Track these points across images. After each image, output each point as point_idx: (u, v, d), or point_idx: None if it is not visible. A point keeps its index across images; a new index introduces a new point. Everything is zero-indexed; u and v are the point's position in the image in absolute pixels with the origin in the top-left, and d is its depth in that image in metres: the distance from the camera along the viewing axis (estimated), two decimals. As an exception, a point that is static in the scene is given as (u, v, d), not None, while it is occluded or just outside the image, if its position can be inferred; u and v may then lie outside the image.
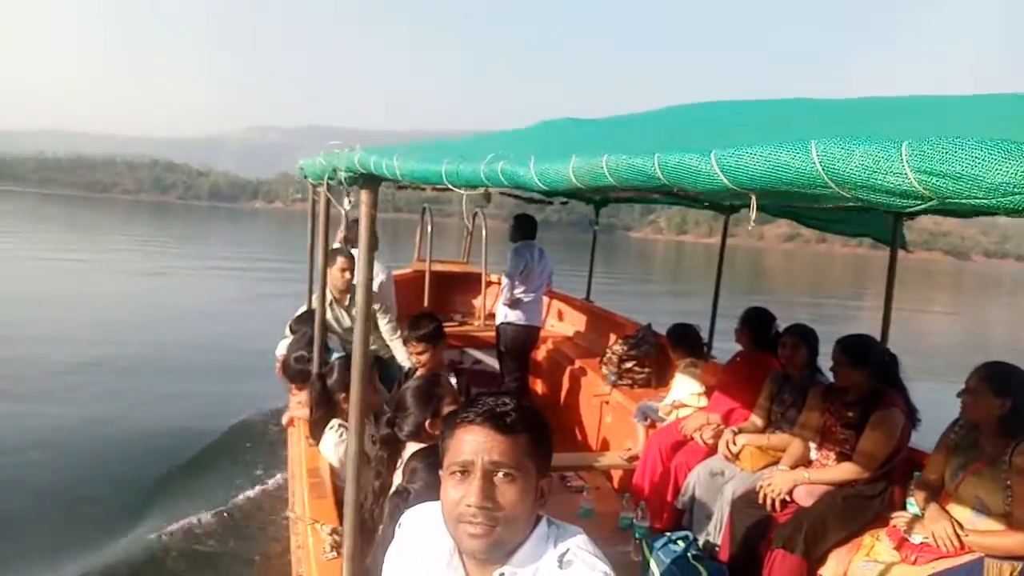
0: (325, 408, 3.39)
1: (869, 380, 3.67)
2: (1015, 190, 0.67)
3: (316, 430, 3.41)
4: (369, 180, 1.94)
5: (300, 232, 5.93)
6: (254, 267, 25.28)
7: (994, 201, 0.70)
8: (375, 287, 5.54)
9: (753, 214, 1.01)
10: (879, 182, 0.80)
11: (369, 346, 2.10)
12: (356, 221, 6.23)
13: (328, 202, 2.60)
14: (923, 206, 0.79)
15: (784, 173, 0.91)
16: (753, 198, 0.97)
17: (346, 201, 6.02)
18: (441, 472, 1.42)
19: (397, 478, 2.38)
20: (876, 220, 4.42)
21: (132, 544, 5.17)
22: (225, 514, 5.58)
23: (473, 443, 1.34)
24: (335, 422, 3.36)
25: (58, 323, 12.58)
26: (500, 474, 1.33)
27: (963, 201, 0.73)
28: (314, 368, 3.74)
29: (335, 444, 3.26)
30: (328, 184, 3.12)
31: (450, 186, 1.55)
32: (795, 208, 4.95)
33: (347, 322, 5.19)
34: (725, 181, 0.98)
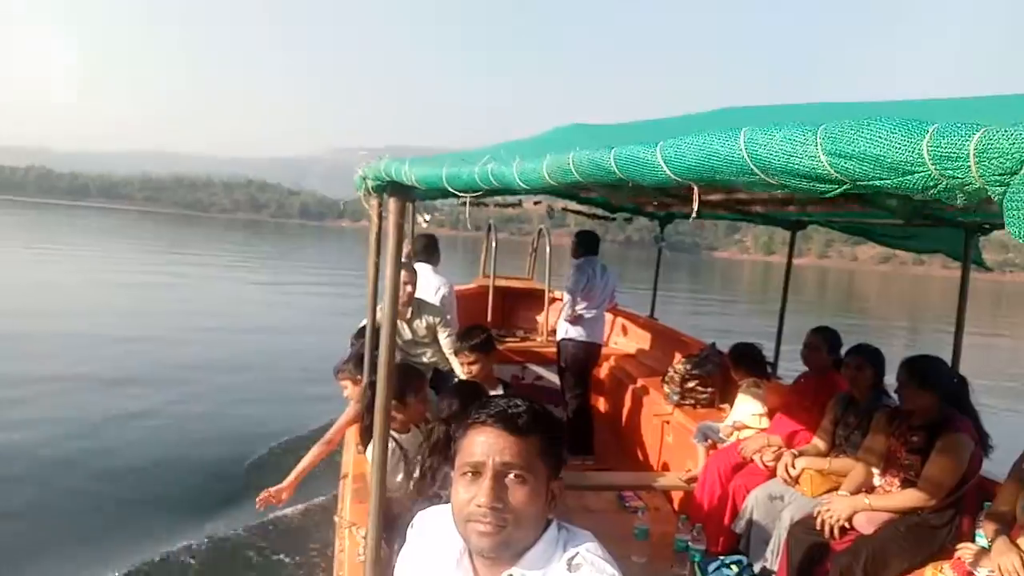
0: (373, 416, 3.47)
1: (936, 403, 3.49)
2: (915, 168, 0.65)
3: (364, 437, 3.50)
4: (395, 189, 1.99)
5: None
6: (334, 282, 26.07)
7: (896, 180, 0.68)
8: (437, 300, 5.64)
9: (695, 205, 1.00)
10: (796, 166, 0.79)
11: (394, 353, 2.15)
12: (421, 235, 6.42)
13: (380, 214, 2.68)
14: (838, 190, 0.78)
15: (715, 162, 0.91)
16: (695, 189, 0.96)
17: (421, 219, 6.21)
18: (453, 473, 1.44)
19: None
20: (950, 236, 4.22)
21: (201, 541, 5.41)
22: (289, 516, 5.78)
23: (484, 444, 1.36)
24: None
25: (156, 330, 13.37)
26: (511, 475, 1.35)
27: (870, 183, 0.71)
28: (365, 377, 3.83)
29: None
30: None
31: (450, 188, 1.59)
32: (866, 224, 4.78)
33: (408, 335, 5.30)
34: (667, 172, 0.98)
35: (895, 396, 3.78)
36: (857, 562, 3.33)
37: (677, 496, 5.06)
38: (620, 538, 4.14)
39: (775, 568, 3.88)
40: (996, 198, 0.61)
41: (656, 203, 6.16)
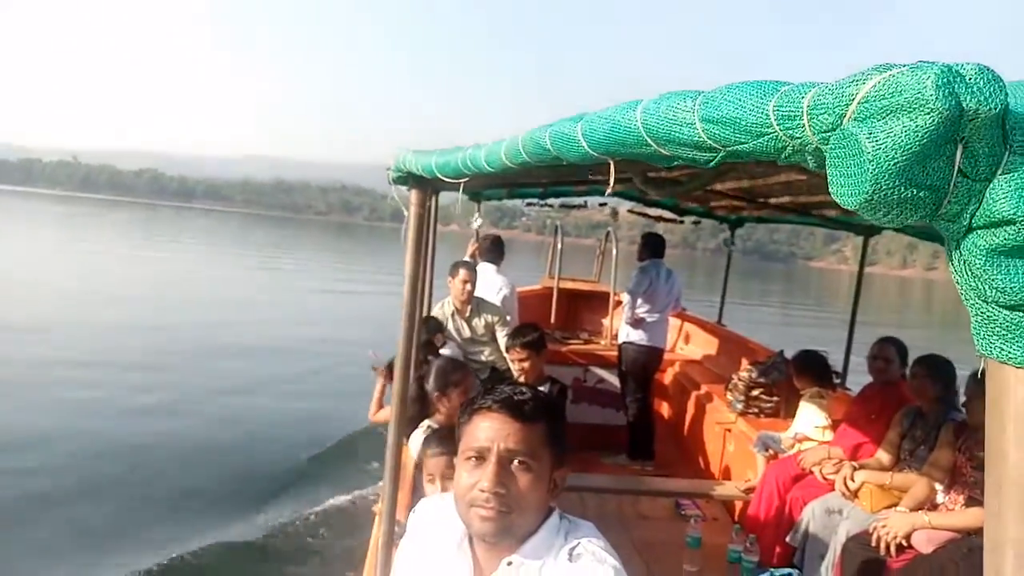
0: (419, 407, 3.53)
1: (1007, 418, 3.28)
2: (765, 130, 0.63)
3: (408, 428, 3.56)
4: (415, 180, 2.04)
5: (464, 253, 6.29)
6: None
7: (752, 144, 0.66)
8: (498, 300, 5.70)
9: (611, 180, 0.98)
10: (678, 135, 0.77)
11: (413, 343, 2.20)
12: (487, 236, 6.50)
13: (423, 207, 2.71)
14: (716, 158, 0.76)
15: (619, 134, 0.89)
16: (611, 164, 0.95)
17: (476, 218, 6.28)
18: (456, 459, 1.47)
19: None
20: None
21: (249, 530, 5.65)
22: (338, 507, 5.98)
23: (489, 429, 1.37)
24: (427, 422, 3.50)
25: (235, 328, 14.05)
26: (515, 462, 1.36)
27: (737, 148, 0.69)
28: (412, 369, 3.91)
29: (421, 442, 3.39)
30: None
31: (441, 176, 1.61)
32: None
33: (467, 332, 5.38)
34: (585, 147, 0.97)
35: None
36: (913, 582, 3.17)
37: (734, 506, 4.93)
38: (673, 545, 4.08)
39: (829, 584, 3.74)
40: (826, 156, 0.59)
41: (725, 205, 6.06)
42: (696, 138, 0.74)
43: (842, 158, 0.52)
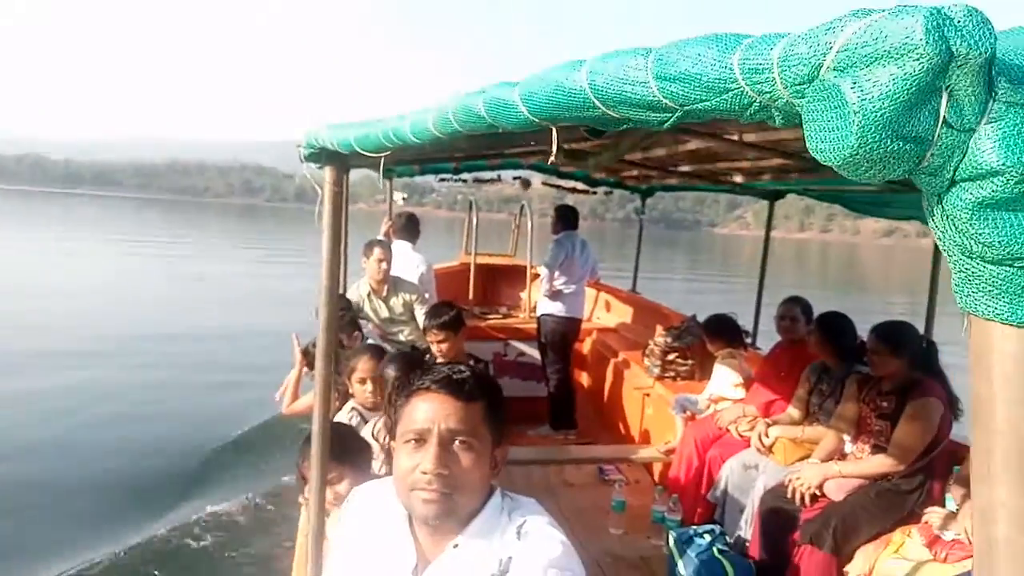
0: (339, 393, 3.43)
1: (906, 368, 3.48)
2: (729, 85, 0.61)
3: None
4: (329, 156, 1.93)
5: (375, 232, 6.09)
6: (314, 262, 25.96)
7: (714, 101, 0.63)
8: (415, 278, 5.61)
9: (553, 149, 0.94)
10: (630, 95, 0.74)
11: (335, 331, 2.11)
12: (401, 214, 6.36)
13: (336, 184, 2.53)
14: (671, 119, 0.73)
15: (562, 97, 0.86)
16: (553, 131, 0.91)
17: (398, 196, 6.10)
18: (393, 443, 1.42)
19: None
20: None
21: (158, 533, 5.40)
22: (258, 500, 5.80)
23: (429, 411, 1.34)
24: (350, 404, 3.41)
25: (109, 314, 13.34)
26: (457, 442, 1.33)
27: (695, 106, 0.67)
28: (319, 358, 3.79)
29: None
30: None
31: (359, 150, 1.54)
32: (841, 192, 4.75)
33: (384, 312, 5.27)
34: (525, 112, 0.93)
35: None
36: (827, 528, 3.33)
37: (656, 468, 5.06)
38: (598, 510, 4.15)
39: (749, 537, 3.90)
40: (800, 111, 0.57)
41: (636, 175, 6.15)
42: (650, 98, 0.71)
43: (821, 111, 0.49)
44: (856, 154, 0.48)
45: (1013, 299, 0.47)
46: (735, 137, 3.48)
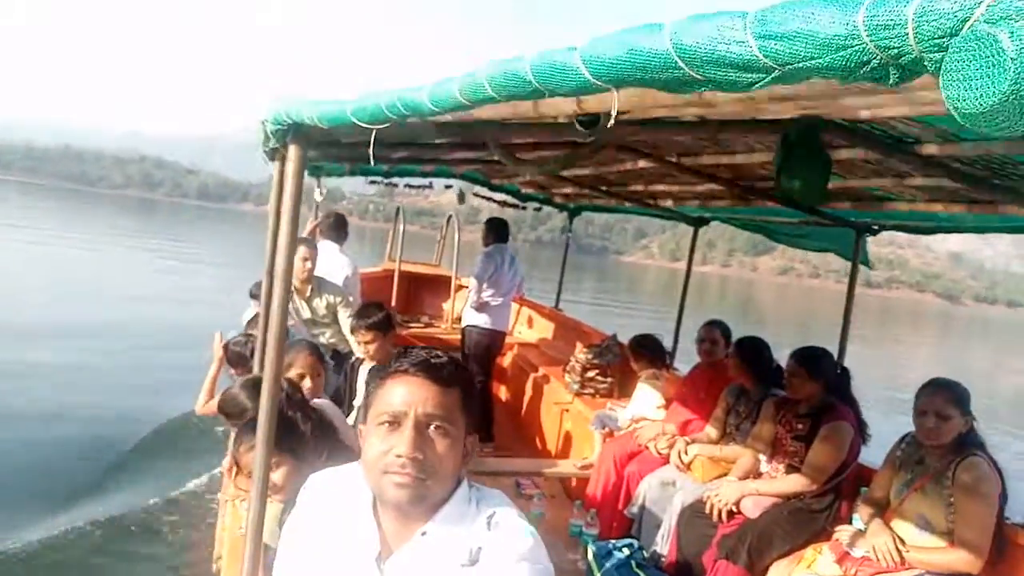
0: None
1: (821, 392, 3.66)
2: (849, 42, 0.63)
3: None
4: (297, 134, 1.85)
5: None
6: (226, 264, 24.99)
7: (828, 58, 0.66)
8: (340, 280, 5.48)
9: (614, 112, 0.93)
10: (723, 54, 0.76)
11: (286, 322, 2.02)
12: (329, 214, 6.21)
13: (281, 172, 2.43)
14: (767, 79, 0.75)
15: (639, 57, 0.86)
16: (614, 94, 0.91)
17: (317, 192, 5.95)
18: (362, 426, 1.38)
19: None
20: (841, 236, 4.46)
21: (64, 531, 5.04)
22: (171, 501, 5.48)
23: (406, 393, 1.31)
24: None
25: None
26: (432, 426, 1.30)
27: (801, 64, 0.69)
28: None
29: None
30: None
31: (356, 121, 1.48)
32: (765, 222, 4.97)
33: (306, 313, 5.12)
34: (587, 75, 0.92)
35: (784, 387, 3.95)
36: (742, 544, 3.44)
37: (574, 483, 5.10)
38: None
39: (665, 552, 3.97)
40: (932, 67, 0.59)
41: (567, 193, 6.25)
42: (748, 57, 0.72)
43: (967, 61, 0.53)
44: (1005, 101, 0.51)
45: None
46: (674, 159, 3.61)
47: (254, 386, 2.77)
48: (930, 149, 2.25)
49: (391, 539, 1.34)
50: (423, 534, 1.32)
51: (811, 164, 2.07)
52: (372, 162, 1.55)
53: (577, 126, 1.38)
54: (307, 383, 3.20)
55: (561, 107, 1.26)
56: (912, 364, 25.03)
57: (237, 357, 3.90)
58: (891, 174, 2.87)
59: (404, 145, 2.49)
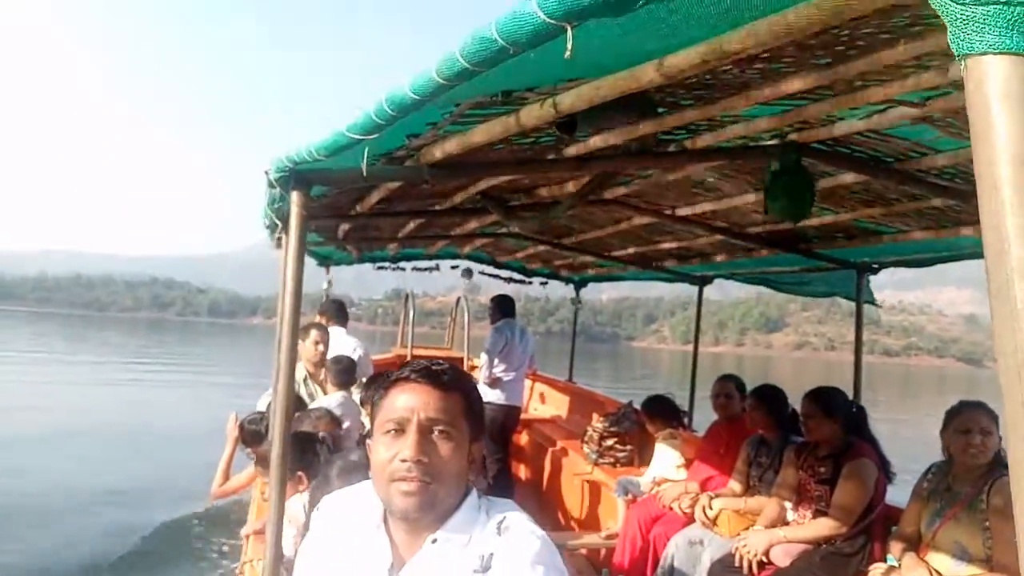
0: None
1: (840, 432, 3.64)
2: None
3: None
4: (299, 180, 1.93)
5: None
6: (234, 373, 25.00)
7: None
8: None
9: (569, 47, 0.95)
10: None
11: (293, 383, 2.07)
12: (330, 300, 6.32)
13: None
14: None
15: None
16: (568, 29, 0.94)
17: (325, 281, 6.07)
18: (369, 441, 1.41)
19: None
20: (843, 279, 4.52)
21: None
22: None
23: (409, 400, 1.34)
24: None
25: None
26: (436, 431, 1.33)
27: None
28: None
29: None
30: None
31: (348, 134, 1.52)
32: (765, 273, 5.05)
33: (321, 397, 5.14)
34: (541, 16, 0.94)
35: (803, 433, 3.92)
36: (776, 594, 3.34)
37: (601, 554, 4.98)
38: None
39: (698, 611, 3.84)
40: None
41: (570, 263, 6.37)
42: None
43: None
44: None
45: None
46: (669, 211, 3.73)
47: (295, 438, 2.95)
48: (909, 165, 2.35)
49: (402, 550, 1.35)
50: (433, 541, 1.32)
51: (795, 184, 2.17)
52: (364, 166, 1.61)
53: (556, 131, 1.47)
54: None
55: (539, 113, 1.35)
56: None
57: (252, 435, 3.92)
58: (879, 203, 2.97)
59: (401, 198, 2.60)
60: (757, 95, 1.48)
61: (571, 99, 1.32)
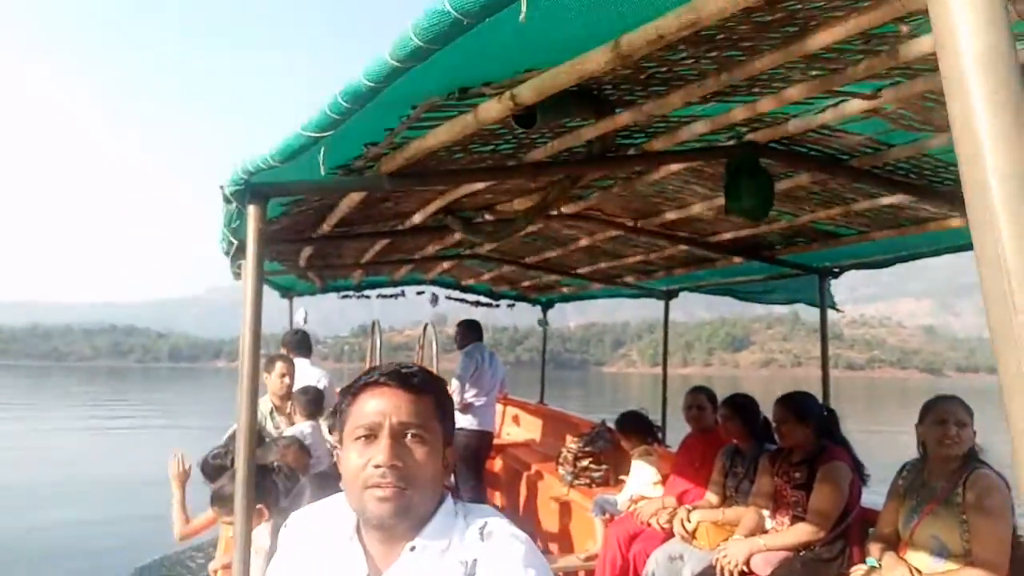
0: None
1: (812, 436, 3.64)
2: None
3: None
4: (255, 192, 1.87)
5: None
6: (194, 414, 24.46)
7: None
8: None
9: (523, 7, 0.92)
10: None
11: (256, 415, 2.00)
12: (292, 330, 6.20)
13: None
14: None
15: None
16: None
17: (300, 312, 5.94)
18: (338, 450, 1.36)
19: None
20: (805, 285, 4.57)
21: None
22: None
23: (380, 404, 1.30)
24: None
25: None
26: (409, 435, 1.28)
27: None
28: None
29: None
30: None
31: (306, 133, 1.47)
32: (730, 284, 5.09)
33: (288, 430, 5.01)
34: None
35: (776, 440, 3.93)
36: (759, 603, 3.30)
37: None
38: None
39: (682, 626, 3.79)
40: None
41: (535, 284, 6.35)
42: None
43: None
44: None
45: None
46: (631, 224, 3.73)
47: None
48: (863, 161, 2.39)
49: (378, 560, 1.30)
50: (412, 549, 1.27)
51: (753, 182, 2.18)
52: (322, 171, 1.55)
53: (514, 125, 1.45)
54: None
55: (497, 108, 1.33)
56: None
57: (217, 469, 3.79)
58: (837, 203, 3.01)
59: (362, 219, 2.55)
60: (713, 83, 1.48)
61: (528, 90, 1.30)
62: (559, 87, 1.27)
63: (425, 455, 1.28)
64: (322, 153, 1.48)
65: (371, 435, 1.28)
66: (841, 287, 4.64)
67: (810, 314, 4.80)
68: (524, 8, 0.86)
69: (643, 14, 1.03)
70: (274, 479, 2.93)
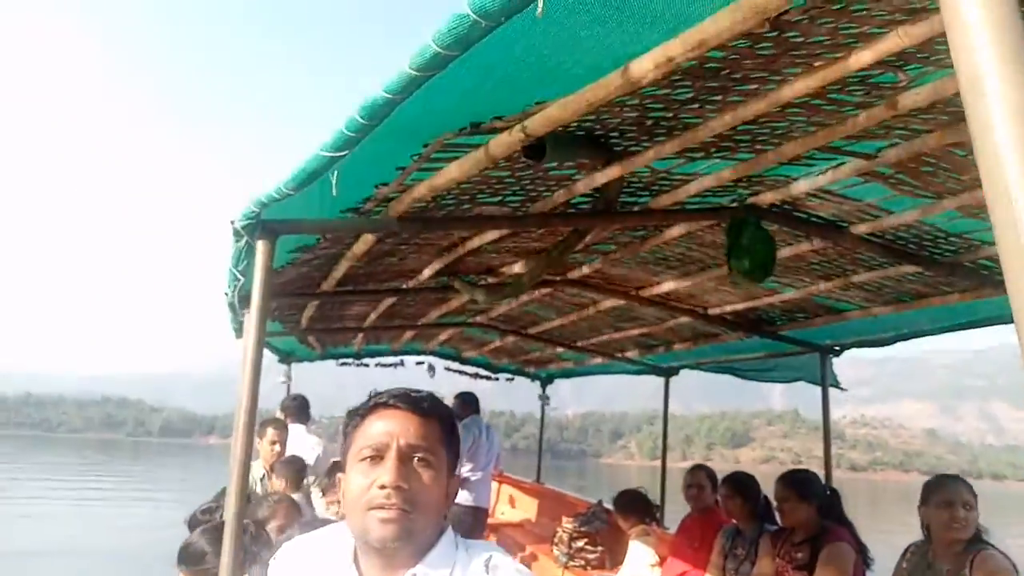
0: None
1: (815, 515, 3.56)
2: None
3: None
4: (264, 228, 1.88)
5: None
6: (186, 490, 23.86)
7: None
8: (310, 460, 5.31)
9: (540, 3, 0.95)
10: None
11: (248, 476, 1.98)
12: (292, 396, 6.14)
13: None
14: None
15: None
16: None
17: (283, 377, 5.91)
18: (340, 475, 1.34)
19: None
20: (807, 363, 4.56)
21: None
22: None
23: (388, 425, 1.28)
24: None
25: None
26: (416, 458, 1.26)
27: None
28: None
29: None
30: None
31: (324, 153, 1.49)
32: (730, 362, 5.08)
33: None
34: None
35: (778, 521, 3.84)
36: None
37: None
38: None
39: None
40: None
41: (536, 359, 6.33)
42: None
43: None
44: None
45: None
46: (632, 292, 3.76)
47: (215, 529, 2.66)
48: (861, 228, 2.43)
49: None
50: (412, 575, 1.24)
51: (756, 242, 2.22)
52: (334, 191, 1.56)
53: (524, 158, 1.48)
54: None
55: (508, 141, 1.37)
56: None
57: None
58: (838, 274, 3.04)
59: (366, 276, 2.57)
60: (718, 124, 1.52)
61: (539, 122, 1.34)
62: (569, 119, 1.32)
63: (431, 479, 1.26)
64: (335, 178, 1.50)
65: (377, 456, 1.26)
66: (841, 385, 4.61)
67: (811, 411, 4.75)
68: (541, 3, 0.90)
69: (650, 38, 1.08)
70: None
